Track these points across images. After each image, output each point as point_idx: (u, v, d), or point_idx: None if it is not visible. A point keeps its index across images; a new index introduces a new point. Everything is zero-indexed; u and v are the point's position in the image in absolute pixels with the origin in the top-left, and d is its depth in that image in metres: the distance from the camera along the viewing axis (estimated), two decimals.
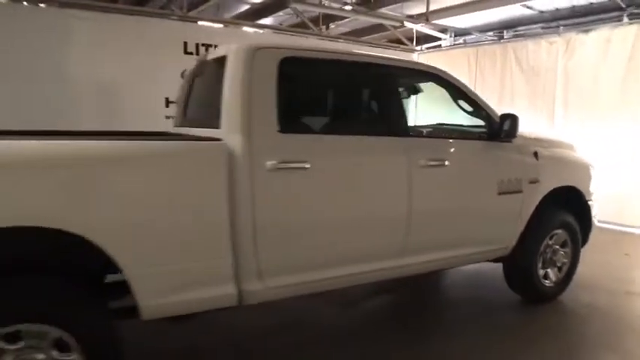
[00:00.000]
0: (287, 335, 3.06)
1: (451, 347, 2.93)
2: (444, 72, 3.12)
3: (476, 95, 3.23)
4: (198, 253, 2.16)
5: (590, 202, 3.83)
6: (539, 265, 3.56)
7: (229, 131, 2.25)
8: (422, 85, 3.38)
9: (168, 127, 5.19)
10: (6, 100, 4.98)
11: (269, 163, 2.24)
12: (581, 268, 3.83)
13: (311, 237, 2.43)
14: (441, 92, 3.20)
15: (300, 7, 7.28)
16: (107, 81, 5.76)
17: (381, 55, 3.00)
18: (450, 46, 9.17)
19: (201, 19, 6.81)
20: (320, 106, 2.87)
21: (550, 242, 3.60)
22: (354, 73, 2.77)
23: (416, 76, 3.19)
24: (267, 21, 8.99)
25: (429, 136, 3.16)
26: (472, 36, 9.39)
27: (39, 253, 1.97)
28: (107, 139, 2.24)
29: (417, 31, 8.88)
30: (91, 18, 5.59)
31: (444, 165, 2.87)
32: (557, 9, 7.64)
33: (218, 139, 2.21)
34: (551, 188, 3.48)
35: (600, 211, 3.98)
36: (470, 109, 3.25)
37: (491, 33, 8.78)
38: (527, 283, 3.57)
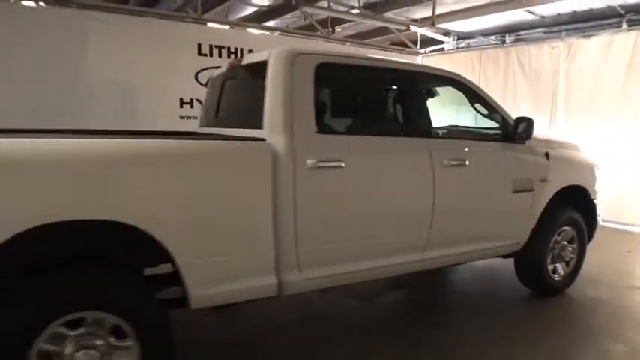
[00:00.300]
0: (306, 329, 3.23)
1: (464, 337, 3.11)
2: (464, 77, 3.31)
3: (492, 99, 3.42)
4: (244, 246, 2.32)
5: (595, 201, 4.04)
6: (549, 260, 3.75)
7: (272, 132, 2.41)
8: (438, 89, 3.55)
9: (184, 127, 5.36)
10: (19, 99, 5.06)
11: (309, 162, 2.41)
12: (585, 265, 4.03)
13: (345, 231, 2.60)
14: (456, 95, 3.39)
15: (309, 10, 7.45)
16: (123, 81, 5.89)
17: (406, 61, 3.18)
18: (454, 49, 9.37)
19: (216, 21, 6.95)
20: (352, 108, 3.04)
21: (558, 238, 3.80)
22: (383, 78, 2.95)
23: (437, 81, 3.36)
24: (271, 23, 9.15)
25: (450, 137, 3.33)
26: (474, 40, 9.61)
27: (100, 245, 2.12)
28: (150, 139, 2.37)
29: (420, 35, 9.08)
30: (108, 20, 5.72)
31: (464, 165, 3.05)
32: (558, 14, 7.85)
33: (262, 140, 2.37)
34: (560, 187, 3.68)
35: (602, 209, 4.18)
36: (486, 112, 3.44)
37: (493, 37, 9.00)
38: (538, 277, 3.76)
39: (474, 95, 3.38)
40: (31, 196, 1.81)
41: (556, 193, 3.65)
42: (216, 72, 3.52)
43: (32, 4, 5.30)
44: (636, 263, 5.06)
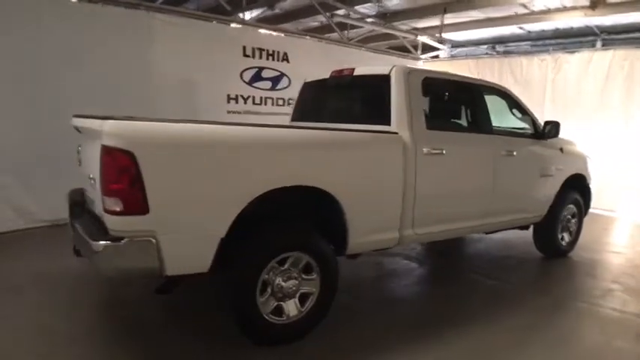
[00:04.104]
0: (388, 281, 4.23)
1: (506, 284, 4.23)
2: (506, 88, 4.37)
3: (524, 105, 4.51)
4: (385, 208, 3.25)
5: (589, 185, 5.23)
6: (559, 230, 4.91)
7: (399, 128, 3.35)
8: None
9: (231, 120, 6.10)
10: (97, 90, 5.62)
11: (424, 150, 3.38)
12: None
13: (443, 200, 3.59)
14: (497, 102, 4.44)
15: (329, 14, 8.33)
16: (181, 78, 6.57)
17: (472, 77, 4.19)
18: (450, 56, 10.54)
19: (259, 26, 7.70)
20: (444, 111, 4.02)
21: (565, 214, 4.96)
22: (461, 89, 3.98)
23: (492, 91, 4.39)
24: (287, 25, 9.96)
25: (502, 134, 4.35)
26: (465, 48, 10.85)
27: (298, 206, 2.97)
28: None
29: (421, 42, 10.19)
30: (171, 21, 6.37)
31: (512, 155, 4.12)
32: (543, 30, 9.17)
33: (395, 133, 3.31)
34: (570, 174, 4.83)
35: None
36: (520, 115, 4.53)
37: (485, 46, 10.25)
38: (551, 244, 4.91)
39: (512, 102, 4.46)
40: (276, 166, 2.68)
41: (566, 178, 4.80)
42: (310, 79, 4.38)
43: (112, 6, 5.83)
44: (611, 236, 6.40)
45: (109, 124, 2.27)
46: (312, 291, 2.93)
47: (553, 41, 9.21)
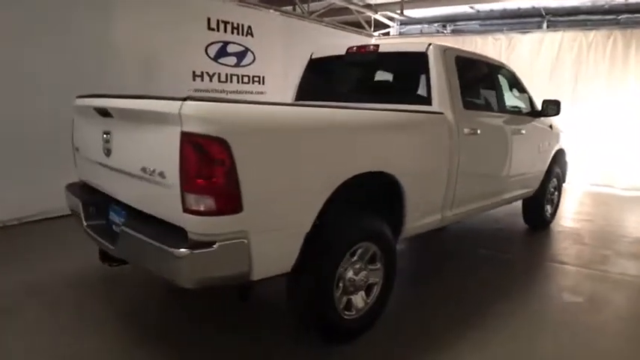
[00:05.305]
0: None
1: (500, 252, 4.44)
2: (510, 67, 4.45)
3: (523, 84, 4.64)
4: (434, 190, 3.17)
5: (566, 158, 5.59)
6: (546, 202, 5.21)
7: (441, 108, 3.24)
8: None
9: None
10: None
11: (465, 130, 3.33)
12: None
13: (475, 181, 3.59)
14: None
15: None
16: (140, 55, 5.87)
17: (486, 55, 4.21)
18: (399, 34, 10.62)
19: None
20: (474, 91, 3.96)
21: (550, 187, 5.25)
22: (484, 68, 3.97)
23: (502, 69, 4.43)
24: None
25: (513, 113, 4.43)
26: (414, 26, 11.01)
27: (364, 192, 2.75)
28: None
29: (373, 18, 10.13)
30: None
31: (522, 133, 4.22)
32: (492, 10, 9.55)
33: (440, 113, 3.20)
34: (557, 149, 5.11)
35: None
36: (518, 94, 4.65)
37: (436, 24, 10.46)
38: (539, 216, 5.20)
39: (515, 80, 4.56)
40: (361, 151, 2.48)
41: (555, 153, 5.07)
42: (318, 54, 4.11)
43: None
44: (572, 205, 6.95)
45: (192, 106, 1.88)
46: (376, 281, 2.77)
47: (501, 21, 9.66)
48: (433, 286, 3.63)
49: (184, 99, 1.90)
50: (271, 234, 2.11)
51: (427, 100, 3.30)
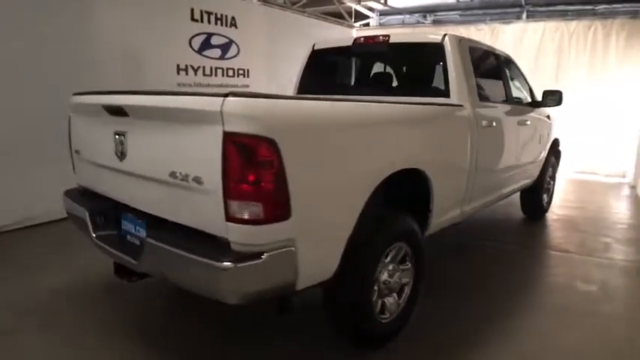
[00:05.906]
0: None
1: (499, 242, 4.45)
2: (512, 57, 4.42)
3: (524, 75, 4.62)
4: (456, 185, 3.09)
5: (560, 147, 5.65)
6: (543, 191, 5.25)
7: (460, 100, 3.15)
8: None
9: None
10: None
11: (483, 122, 3.25)
12: None
13: (490, 174, 3.53)
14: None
15: None
16: (122, 48, 5.53)
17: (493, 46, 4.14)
18: (381, 24, 10.53)
19: None
20: (487, 82, 3.85)
21: (547, 176, 5.30)
22: (494, 58, 3.90)
23: (508, 60, 4.39)
24: None
25: (519, 103, 4.40)
26: (394, 16, 10.93)
27: (396, 190, 2.62)
28: None
29: (354, 9, 10.00)
30: None
31: (527, 124, 4.21)
32: (471, 0, 9.57)
33: (461, 105, 3.11)
34: (554, 138, 5.14)
35: None
36: (519, 84, 4.63)
37: (417, 15, 10.41)
38: (537, 205, 5.23)
39: (517, 70, 4.53)
40: (401, 147, 2.39)
41: (551, 143, 5.11)
42: (322, 45, 3.95)
43: None
44: (561, 193, 7.07)
45: (236, 103, 1.70)
46: (407, 282, 2.67)
47: (480, 11, 9.71)
48: (447, 284, 3.56)
49: (226, 95, 1.71)
50: (317, 239, 1.96)
51: (444, 93, 3.20)
